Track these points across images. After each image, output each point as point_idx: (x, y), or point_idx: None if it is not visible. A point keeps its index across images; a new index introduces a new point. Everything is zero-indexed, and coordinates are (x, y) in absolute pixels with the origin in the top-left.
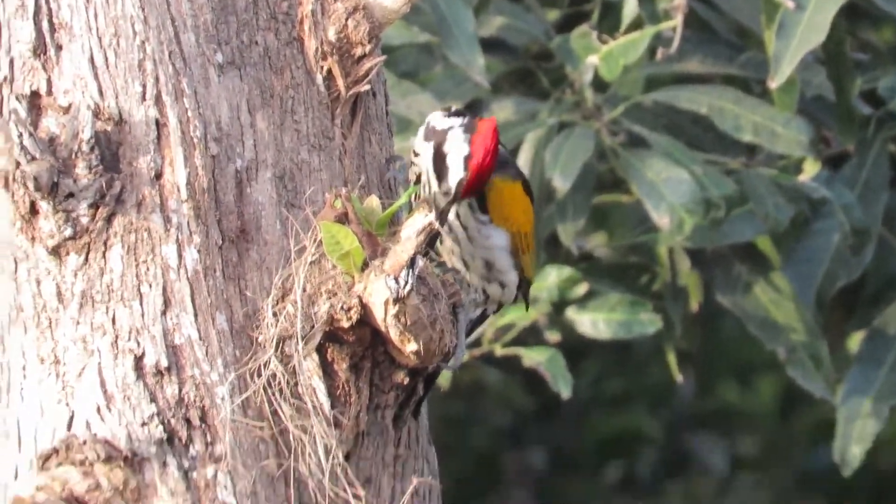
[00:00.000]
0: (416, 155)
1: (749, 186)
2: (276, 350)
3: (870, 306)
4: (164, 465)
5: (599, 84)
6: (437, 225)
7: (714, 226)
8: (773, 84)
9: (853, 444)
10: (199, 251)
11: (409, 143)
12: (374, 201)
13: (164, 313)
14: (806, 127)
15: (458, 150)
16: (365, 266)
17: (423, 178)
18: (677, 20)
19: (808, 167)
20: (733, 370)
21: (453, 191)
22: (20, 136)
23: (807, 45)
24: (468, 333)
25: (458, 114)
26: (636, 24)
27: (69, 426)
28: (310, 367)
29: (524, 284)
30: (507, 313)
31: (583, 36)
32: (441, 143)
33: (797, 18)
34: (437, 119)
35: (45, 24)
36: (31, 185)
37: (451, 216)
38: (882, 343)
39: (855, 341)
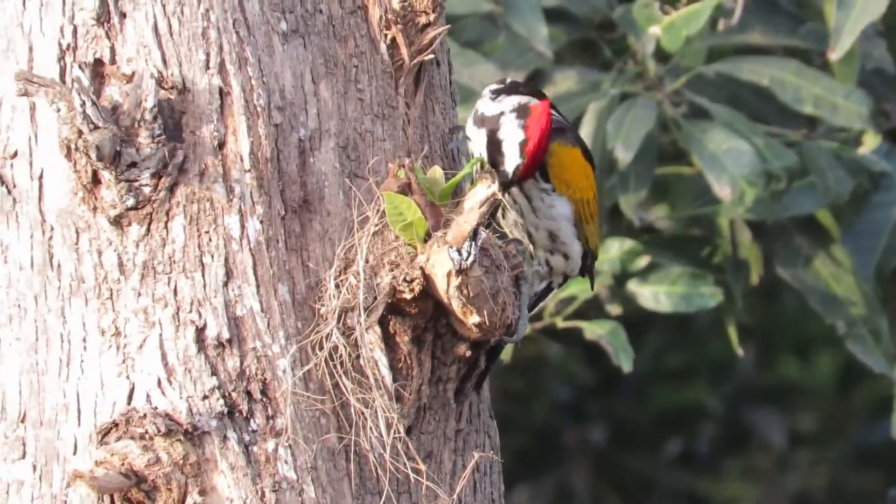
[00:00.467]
0: (469, 140)
1: (809, 159)
2: (338, 322)
3: None
4: (225, 438)
5: (661, 55)
6: (500, 195)
7: (775, 198)
8: (834, 56)
9: None
10: (261, 222)
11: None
12: (437, 171)
13: (225, 284)
14: (866, 99)
15: (513, 136)
16: (427, 237)
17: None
18: None
19: (868, 140)
20: (793, 344)
21: (511, 175)
22: (83, 104)
23: (867, 16)
24: (533, 307)
25: (512, 88)
26: None
27: (129, 399)
28: (372, 340)
29: (589, 257)
30: (569, 286)
31: (645, 6)
32: (494, 130)
33: None
34: (486, 105)
35: None
36: (93, 154)
37: (514, 187)
38: None
39: None
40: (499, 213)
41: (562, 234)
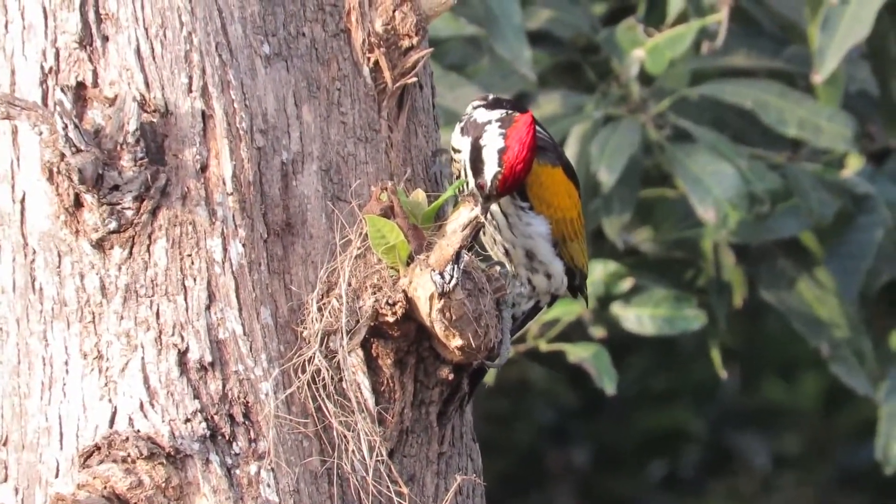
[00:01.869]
0: (456, 151)
1: (793, 181)
2: (321, 345)
3: None
4: (207, 462)
5: (645, 77)
6: (482, 219)
7: (759, 220)
8: (818, 78)
9: (895, 442)
10: (244, 245)
11: (448, 137)
12: (419, 195)
13: (208, 308)
14: (850, 121)
15: (493, 143)
16: (410, 260)
17: (463, 175)
18: (723, 14)
19: (852, 162)
20: (777, 367)
21: (488, 185)
22: (65, 127)
23: (851, 39)
24: (521, 326)
25: (496, 103)
26: (682, 18)
27: (111, 423)
28: (354, 363)
29: (577, 276)
30: (554, 309)
31: (629, 29)
32: (479, 137)
33: (841, 12)
34: (479, 113)
35: (91, 15)
36: (75, 177)
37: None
38: None
39: None
40: (480, 233)
41: (539, 253)
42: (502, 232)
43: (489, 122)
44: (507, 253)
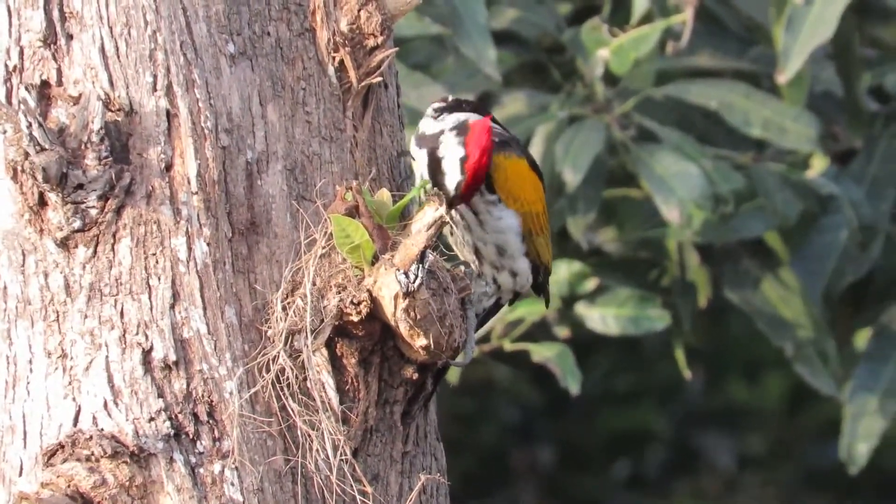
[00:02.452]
0: (413, 160)
1: (758, 181)
2: (286, 344)
3: (877, 303)
4: (171, 460)
5: (610, 78)
6: (447, 218)
7: (723, 221)
8: (782, 78)
9: (860, 442)
10: (208, 244)
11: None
12: (384, 194)
13: (172, 307)
14: (815, 122)
15: (452, 153)
16: (375, 260)
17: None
18: (687, 14)
19: (817, 163)
20: (742, 367)
21: (452, 193)
22: (29, 126)
23: (815, 39)
24: (482, 323)
25: (457, 105)
26: (647, 18)
27: (75, 421)
28: (319, 362)
29: (541, 272)
30: (517, 308)
31: (594, 29)
32: (435, 148)
33: (806, 13)
34: (427, 124)
35: (55, 13)
36: (39, 176)
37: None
38: (889, 340)
39: (862, 338)
40: (446, 230)
41: (510, 247)
42: (473, 231)
43: (442, 132)
44: (476, 251)
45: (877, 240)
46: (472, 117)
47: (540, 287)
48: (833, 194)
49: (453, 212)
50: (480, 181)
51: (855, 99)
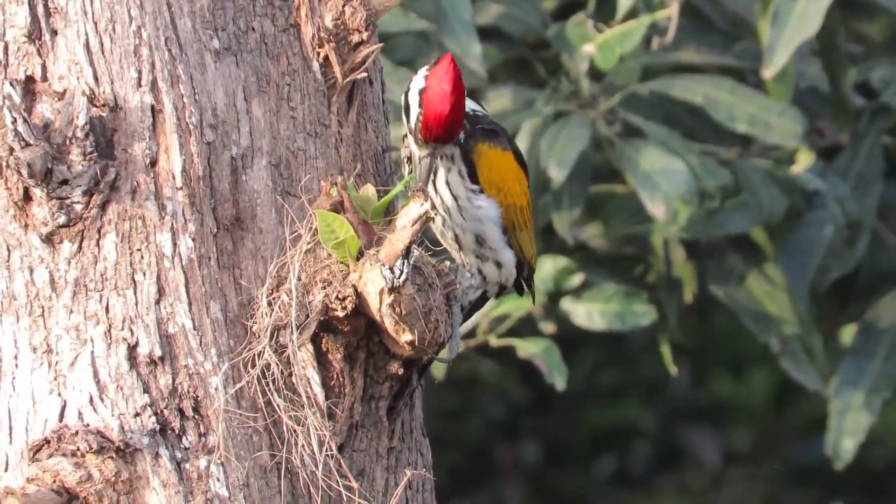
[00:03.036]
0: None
1: (743, 177)
2: (271, 340)
3: (863, 299)
4: (157, 456)
5: (595, 73)
6: (432, 214)
7: (709, 216)
8: (768, 73)
9: (845, 438)
10: (193, 239)
11: (405, 130)
12: (369, 190)
13: (158, 302)
14: (800, 117)
15: (416, 86)
16: (360, 255)
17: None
18: (673, 9)
19: (802, 158)
20: (727, 363)
21: (413, 127)
22: (14, 121)
23: (801, 34)
24: (468, 316)
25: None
26: (632, 14)
27: (61, 416)
28: (304, 357)
29: (525, 268)
30: (503, 303)
31: (579, 25)
32: (408, 88)
33: (791, 7)
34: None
35: (40, 9)
36: (24, 171)
37: (441, 184)
38: (874, 336)
39: (848, 334)
40: (433, 221)
41: (489, 238)
42: (452, 216)
43: (417, 73)
44: (456, 238)
45: (862, 235)
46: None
47: (525, 282)
48: (819, 190)
49: (432, 194)
50: (443, 116)
51: (841, 94)
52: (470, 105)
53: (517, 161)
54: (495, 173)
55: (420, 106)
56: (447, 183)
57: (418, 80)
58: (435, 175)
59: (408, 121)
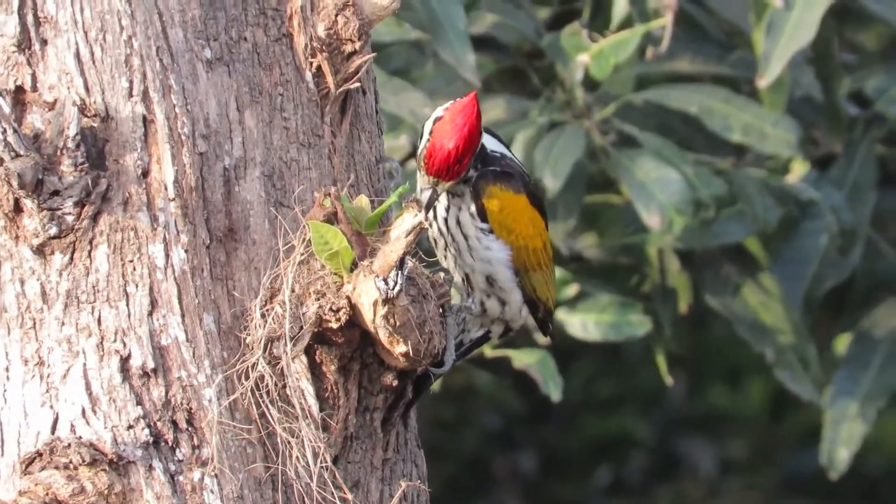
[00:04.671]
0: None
1: (738, 187)
2: (265, 351)
3: (858, 308)
4: (150, 468)
5: (590, 83)
6: (426, 225)
7: (703, 226)
8: (763, 83)
9: (840, 447)
10: (186, 251)
11: (399, 141)
12: (363, 200)
13: (150, 314)
14: (795, 127)
15: (434, 115)
16: (354, 266)
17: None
18: (667, 19)
19: (797, 168)
20: (723, 373)
21: (419, 155)
22: (4, 132)
23: (795, 43)
24: (466, 353)
25: None
26: (626, 23)
27: (53, 429)
28: (298, 369)
29: (542, 309)
30: None
31: (573, 34)
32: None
33: (785, 17)
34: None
35: (29, 19)
36: (14, 182)
37: (452, 223)
38: (869, 345)
39: (842, 343)
40: (441, 254)
41: (500, 279)
42: (462, 255)
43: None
44: (466, 277)
45: (857, 245)
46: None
47: (541, 323)
48: (813, 199)
49: (447, 234)
50: (451, 152)
51: (835, 104)
52: (491, 145)
53: (534, 204)
54: (506, 215)
55: (430, 135)
56: (458, 222)
57: (439, 110)
58: (435, 210)
59: (420, 151)
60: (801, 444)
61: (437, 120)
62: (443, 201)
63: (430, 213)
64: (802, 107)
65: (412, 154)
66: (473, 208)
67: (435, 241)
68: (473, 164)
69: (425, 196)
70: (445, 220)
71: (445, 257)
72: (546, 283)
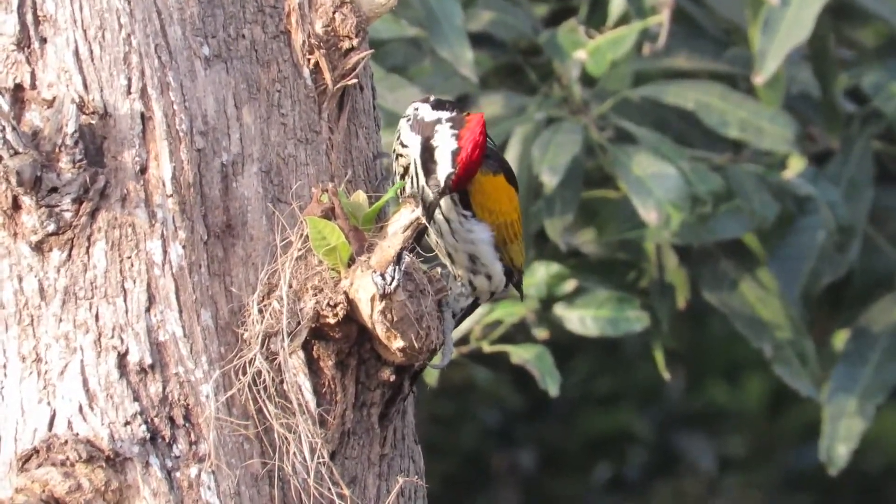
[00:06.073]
0: (404, 146)
1: (735, 182)
2: (262, 347)
3: (855, 304)
4: (147, 465)
5: (587, 79)
6: (423, 220)
7: (701, 222)
8: (759, 79)
9: (839, 443)
10: (184, 247)
11: (389, 139)
12: (360, 196)
13: (148, 310)
14: (791, 123)
15: (446, 144)
16: (351, 261)
17: (411, 170)
18: (664, 15)
19: (794, 164)
20: (721, 369)
21: (442, 184)
22: (3, 129)
23: (792, 40)
24: (460, 321)
25: (441, 105)
26: (623, 20)
27: (50, 426)
28: (295, 365)
29: (516, 274)
30: (496, 310)
31: (570, 31)
32: (429, 137)
33: (782, 14)
34: (425, 111)
35: (29, 17)
36: (13, 179)
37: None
38: (867, 341)
39: (840, 339)
40: (423, 236)
41: (482, 256)
42: (445, 237)
43: (439, 121)
44: (450, 255)
45: (854, 241)
46: (467, 113)
47: (514, 285)
48: (810, 195)
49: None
50: (471, 175)
51: (831, 100)
52: None
53: (507, 178)
54: (487, 198)
55: (454, 167)
56: (439, 208)
57: (446, 136)
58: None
59: (430, 174)
60: (800, 440)
61: (455, 152)
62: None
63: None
64: (799, 103)
65: None
66: (456, 195)
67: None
68: None
69: (433, 203)
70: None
71: (428, 236)
72: (520, 251)
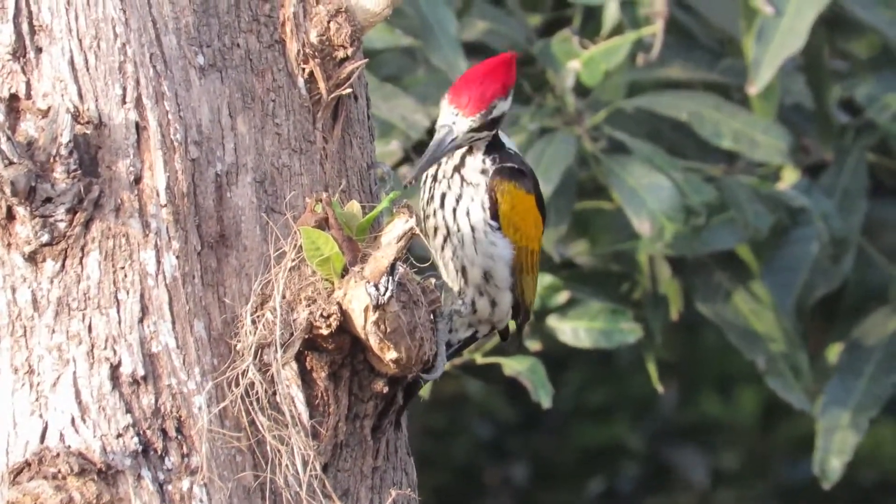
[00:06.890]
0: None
1: (729, 194)
2: (255, 358)
3: (849, 317)
4: (139, 477)
5: (581, 89)
6: (416, 230)
7: (694, 233)
8: (753, 90)
9: (833, 457)
10: (177, 257)
11: (391, 146)
12: (354, 206)
13: (141, 321)
14: (785, 134)
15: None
16: (345, 272)
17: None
18: (658, 26)
19: (788, 175)
20: (715, 381)
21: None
22: None
23: (785, 50)
24: (457, 353)
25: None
26: (617, 30)
27: (42, 438)
28: (288, 376)
29: (522, 314)
30: None
31: (564, 41)
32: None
33: (776, 24)
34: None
35: (24, 27)
36: (7, 189)
37: (461, 213)
38: (861, 354)
39: (834, 352)
40: (437, 246)
41: (497, 276)
42: (465, 248)
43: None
44: (463, 270)
45: (848, 253)
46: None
47: (518, 329)
48: (804, 207)
49: (450, 221)
50: (478, 88)
51: (825, 111)
52: (508, 143)
53: (539, 206)
54: (515, 213)
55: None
56: (467, 213)
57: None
58: (444, 200)
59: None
60: (793, 453)
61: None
62: (454, 190)
63: (437, 202)
64: (793, 114)
65: (404, 159)
66: (487, 202)
67: (434, 230)
68: (492, 157)
69: (439, 135)
70: (454, 209)
71: (443, 248)
72: (532, 287)
